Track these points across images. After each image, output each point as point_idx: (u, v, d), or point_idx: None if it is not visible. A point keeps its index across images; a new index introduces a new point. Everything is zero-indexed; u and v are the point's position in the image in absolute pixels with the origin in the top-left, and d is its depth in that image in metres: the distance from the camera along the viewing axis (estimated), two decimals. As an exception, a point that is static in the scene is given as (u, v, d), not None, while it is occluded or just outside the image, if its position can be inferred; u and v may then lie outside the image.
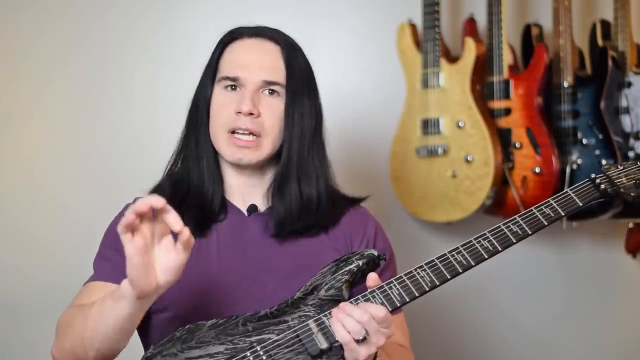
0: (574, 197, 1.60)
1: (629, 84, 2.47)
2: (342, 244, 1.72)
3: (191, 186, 1.71)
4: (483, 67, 2.51)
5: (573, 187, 1.61)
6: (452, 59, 2.54)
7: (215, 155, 1.73)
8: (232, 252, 1.68)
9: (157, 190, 1.75)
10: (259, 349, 1.49)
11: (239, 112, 1.67)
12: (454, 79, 2.49)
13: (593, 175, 1.64)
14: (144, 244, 1.35)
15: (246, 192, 1.74)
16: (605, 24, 2.56)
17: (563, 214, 1.58)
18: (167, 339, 1.52)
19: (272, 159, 1.73)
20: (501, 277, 2.74)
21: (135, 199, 1.77)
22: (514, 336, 2.78)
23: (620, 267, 2.77)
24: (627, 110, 2.47)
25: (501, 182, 2.49)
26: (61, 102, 2.67)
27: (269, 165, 1.74)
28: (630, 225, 2.62)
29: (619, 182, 1.62)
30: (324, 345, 1.47)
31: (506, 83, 2.50)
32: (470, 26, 2.61)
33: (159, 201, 1.34)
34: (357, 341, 1.44)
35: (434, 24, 2.50)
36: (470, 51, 2.48)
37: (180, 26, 2.69)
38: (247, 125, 1.67)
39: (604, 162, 2.42)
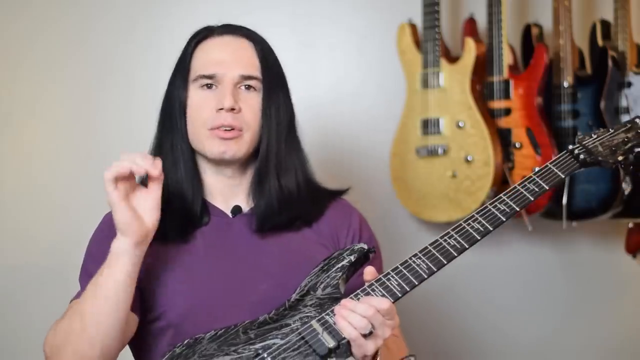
0: (555, 169, 1.62)
1: (629, 84, 2.47)
2: (329, 239, 1.72)
3: (170, 192, 1.68)
4: (483, 67, 2.51)
5: (552, 160, 1.64)
6: (452, 59, 2.54)
7: (193, 157, 1.72)
8: (219, 255, 1.66)
9: None
10: (265, 355, 1.48)
11: (220, 109, 1.66)
12: (454, 79, 2.49)
13: (570, 147, 1.66)
14: (125, 190, 1.49)
15: (228, 192, 1.73)
16: (605, 24, 2.56)
17: (547, 188, 1.60)
18: (167, 357, 1.50)
19: (252, 157, 1.72)
20: (501, 276, 2.75)
21: (108, 214, 1.76)
22: (513, 336, 2.78)
23: (620, 267, 2.77)
24: (627, 110, 2.47)
25: (501, 182, 2.48)
26: (61, 102, 2.67)
27: (249, 163, 1.73)
28: (630, 225, 2.62)
29: (596, 150, 1.64)
30: (331, 344, 1.47)
31: (506, 83, 2.50)
32: (470, 26, 2.61)
33: (155, 170, 1.50)
34: (365, 336, 1.44)
35: (434, 24, 2.50)
36: (470, 51, 2.48)
37: (180, 26, 2.67)
38: (229, 122, 1.66)
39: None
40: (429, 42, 2.51)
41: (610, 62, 2.45)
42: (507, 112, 2.50)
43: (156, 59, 2.67)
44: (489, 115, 2.50)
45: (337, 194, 1.80)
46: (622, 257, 2.69)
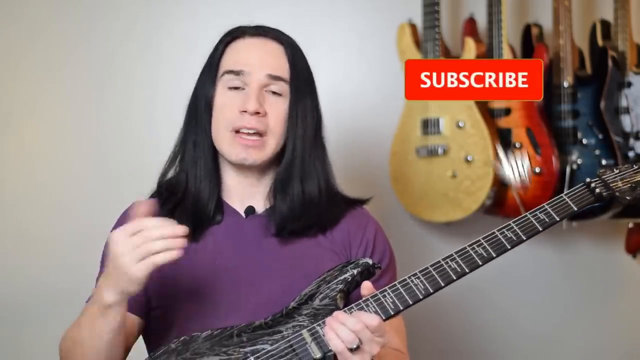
0: (569, 202, 1.59)
1: (629, 84, 2.47)
2: (340, 247, 1.71)
3: (187, 189, 1.69)
4: (483, 67, 2.51)
5: (568, 192, 1.61)
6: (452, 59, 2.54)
7: (214, 155, 1.71)
8: (228, 254, 1.66)
9: (156, 194, 1.75)
10: (252, 359, 1.49)
11: (244, 111, 1.65)
12: (454, 79, 2.50)
13: (588, 180, 1.63)
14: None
15: (245, 192, 1.72)
16: (605, 24, 2.56)
17: (558, 219, 1.58)
18: (162, 351, 1.52)
19: (273, 160, 1.71)
20: (501, 276, 2.74)
21: (133, 204, 1.76)
22: (514, 336, 2.78)
23: (620, 267, 2.77)
24: (627, 110, 2.47)
25: (501, 182, 2.49)
26: (61, 102, 2.67)
27: (269, 166, 1.72)
28: (630, 225, 2.63)
29: (615, 185, 1.60)
30: (317, 354, 1.47)
31: (506, 83, 2.50)
32: (470, 26, 2.61)
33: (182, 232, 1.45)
34: (351, 350, 1.43)
35: (434, 24, 2.50)
36: (470, 51, 2.48)
37: (180, 26, 2.69)
38: (252, 124, 1.65)
39: (603, 162, 2.42)
40: (429, 42, 2.51)
41: (610, 62, 2.45)
42: (507, 112, 2.50)
43: (156, 59, 2.68)
44: (489, 115, 2.50)
45: (356, 203, 1.79)
46: (622, 257, 2.69)
